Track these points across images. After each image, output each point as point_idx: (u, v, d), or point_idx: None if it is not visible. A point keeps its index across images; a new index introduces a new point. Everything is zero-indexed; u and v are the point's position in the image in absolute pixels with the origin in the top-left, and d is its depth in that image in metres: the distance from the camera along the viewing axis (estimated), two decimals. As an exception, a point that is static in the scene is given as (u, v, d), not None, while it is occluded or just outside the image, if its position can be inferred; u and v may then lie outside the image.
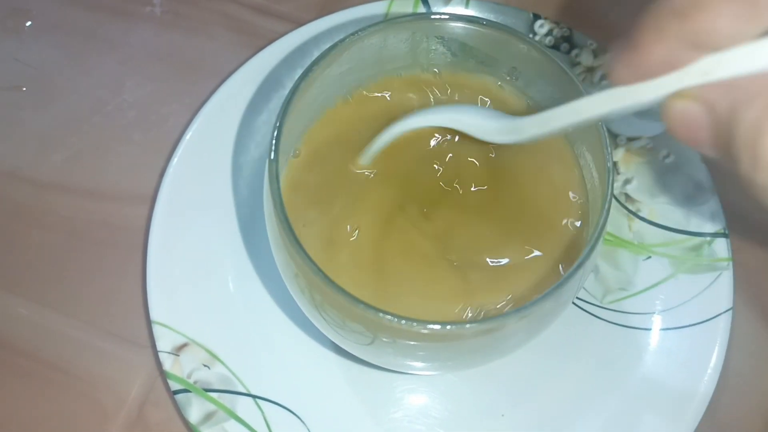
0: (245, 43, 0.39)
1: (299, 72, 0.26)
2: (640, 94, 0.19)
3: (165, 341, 0.31)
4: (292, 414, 0.31)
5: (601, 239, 0.24)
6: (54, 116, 0.38)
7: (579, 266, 0.24)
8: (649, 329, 0.33)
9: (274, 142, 0.24)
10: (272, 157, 0.24)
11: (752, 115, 0.17)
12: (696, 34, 0.17)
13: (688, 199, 0.34)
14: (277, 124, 0.24)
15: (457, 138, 0.29)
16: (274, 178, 0.23)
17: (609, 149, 0.25)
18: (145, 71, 0.39)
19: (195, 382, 0.31)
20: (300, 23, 0.38)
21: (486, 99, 0.31)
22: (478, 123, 0.26)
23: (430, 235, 0.28)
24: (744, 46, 0.17)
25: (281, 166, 0.26)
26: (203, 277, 0.33)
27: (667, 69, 0.18)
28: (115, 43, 0.40)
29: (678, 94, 0.18)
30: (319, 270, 0.22)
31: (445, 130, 0.29)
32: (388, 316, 0.22)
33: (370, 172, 0.28)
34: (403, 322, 0.22)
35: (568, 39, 0.37)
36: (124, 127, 0.38)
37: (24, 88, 0.39)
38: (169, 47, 0.40)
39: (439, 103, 0.30)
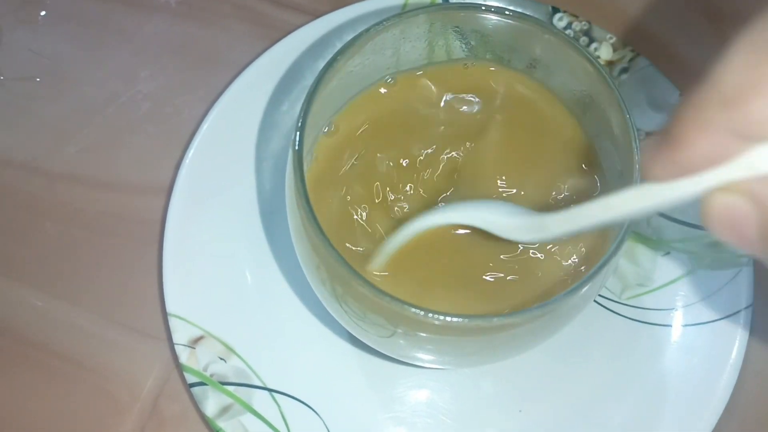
0: (260, 35, 0.39)
1: (319, 63, 0.26)
2: (679, 191, 0.17)
3: (181, 334, 0.31)
4: (308, 407, 0.31)
5: (627, 237, 0.24)
6: (68, 107, 0.38)
7: (605, 263, 0.24)
8: (669, 325, 0.32)
9: (298, 132, 0.24)
10: (297, 147, 0.23)
11: None
12: (746, 124, 0.15)
13: (708, 194, 0.34)
14: (302, 114, 0.24)
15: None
16: (299, 169, 0.23)
17: (637, 144, 0.24)
18: (159, 63, 0.39)
19: (211, 375, 0.31)
20: (316, 15, 0.37)
21: (505, 95, 0.30)
22: (499, 221, 0.24)
23: (453, 232, 0.28)
24: None
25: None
26: (220, 270, 0.33)
27: (711, 164, 0.16)
28: (129, 34, 0.39)
29: (722, 189, 0.16)
30: (345, 261, 0.22)
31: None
32: (413, 309, 0.22)
33: (392, 163, 0.28)
34: (430, 315, 0.22)
35: (587, 33, 0.37)
36: (138, 119, 0.37)
37: (38, 79, 0.38)
38: (184, 39, 0.39)
39: (456, 97, 0.30)
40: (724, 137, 0.15)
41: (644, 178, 0.17)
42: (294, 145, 0.24)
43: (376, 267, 0.26)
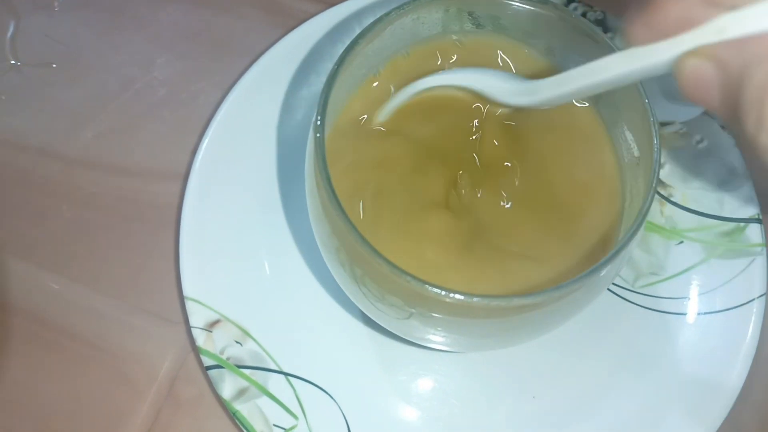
0: (275, 23, 0.39)
1: (339, 48, 0.26)
2: (656, 54, 0.19)
3: (198, 317, 0.31)
4: (322, 391, 0.31)
5: (644, 222, 0.24)
6: (84, 93, 0.38)
7: (623, 246, 0.24)
8: (682, 314, 0.33)
9: (319, 116, 0.24)
10: (318, 129, 0.24)
11: (761, 75, 0.16)
12: None
13: (722, 184, 0.34)
14: (323, 96, 0.24)
15: (485, 110, 0.29)
16: (321, 151, 0.23)
17: (656, 129, 0.24)
18: (174, 49, 0.39)
19: (228, 359, 0.31)
20: (331, 3, 0.37)
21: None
22: (494, 84, 0.26)
23: (469, 217, 0.28)
24: (762, 4, 0.16)
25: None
26: (237, 254, 0.33)
27: (683, 27, 0.18)
28: (144, 21, 0.40)
29: (692, 52, 0.18)
30: (366, 242, 0.22)
31: (471, 102, 0.29)
32: (432, 288, 0.22)
33: (408, 144, 0.28)
34: (451, 295, 0.22)
35: (601, 22, 0.37)
36: (154, 105, 0.38)
37: (54, 65, 0.39)
38: (199, 25, 0.40)
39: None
40: (695, 4, 0.17)
41: (625, 39, 0.19)
42: (315, 127, 0.24)
43: (381, 119, 0.28)
